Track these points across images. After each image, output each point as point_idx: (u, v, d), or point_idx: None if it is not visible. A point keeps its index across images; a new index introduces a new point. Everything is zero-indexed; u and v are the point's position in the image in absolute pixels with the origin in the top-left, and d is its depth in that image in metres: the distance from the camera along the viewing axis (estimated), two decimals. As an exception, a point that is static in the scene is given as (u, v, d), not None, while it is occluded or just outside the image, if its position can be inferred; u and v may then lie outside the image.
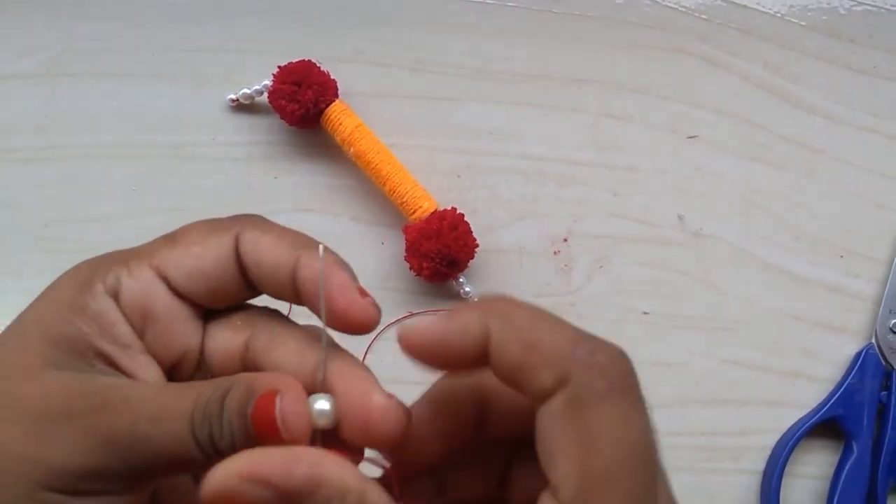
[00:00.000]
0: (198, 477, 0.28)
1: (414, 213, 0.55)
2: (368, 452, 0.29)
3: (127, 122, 0.59)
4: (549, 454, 0.24)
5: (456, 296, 0.57)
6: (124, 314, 0.29)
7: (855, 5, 0.62)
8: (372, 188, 0.57)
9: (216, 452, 0.27)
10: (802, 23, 0.61)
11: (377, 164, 0.56)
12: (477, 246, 0.55)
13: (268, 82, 0.58)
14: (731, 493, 0.55)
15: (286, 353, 0.29)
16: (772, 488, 0.54)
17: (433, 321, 0.27)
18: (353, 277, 0.29)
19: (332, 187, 0.58)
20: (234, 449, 0.26)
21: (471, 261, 0.56)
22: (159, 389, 0.28)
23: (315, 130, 0.58)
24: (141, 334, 0.30)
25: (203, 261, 0.30)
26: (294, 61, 0.57)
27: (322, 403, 0.27)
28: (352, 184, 0.58)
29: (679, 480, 0.57)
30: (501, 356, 0.25)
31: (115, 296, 0.29)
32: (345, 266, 0.30)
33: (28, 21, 0.60)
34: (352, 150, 0.56)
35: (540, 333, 0.25)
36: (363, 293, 0.29)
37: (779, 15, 0.61)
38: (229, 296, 0.31)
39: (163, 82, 0.60)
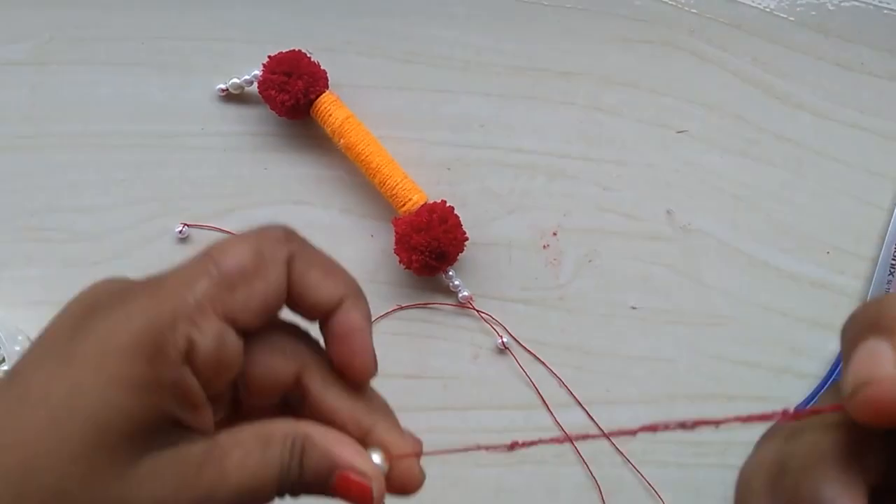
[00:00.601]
0: None
1: (404, 205, 0.55)
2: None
3: (115, 111, 0.59)
4: None
5: (445, 289, 0.57)
6: (197, 375, 0.28)
7: (843, 1, 0.62)
8: (362, 180, 0.57)
9: (289, 495, 0.30)
10: (791, 18, 0.61)
11: (367, 156, 0.56)
12: (466, 239, 0.55)
13: (257, 72, 0.57)
14: (718, 487, 0.55)
15: (340, 404, 0.31)
16: (756, 482, 0.54)
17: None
18: (371, 332, 0.31)
19: (321, 179, 0.58)
20: (304, 493, 0.30)
21: (460, 254, 0.56)
22: (244, 453, 0.29)
23: (305, 121, 0.58)
24: (209, 384, 0.29)
25: (268, 297, 0.29)
26: (284, 51, 0.57)
27: (377, 458, 0.31)
28: (341, 175, 0.58)
29: (666, 475, 0.58)
30: None
31: (188, 358, 0.28)
32: (369, 320, 0.32)
33: (16, 8, 0.60)
34: (342, 141, 0.56)
35: None
36: (374, 358, 0.31)
37: (768, 10, 0.61)
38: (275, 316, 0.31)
39: (151, 71, 0.59)
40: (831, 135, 0.60)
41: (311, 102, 0.56)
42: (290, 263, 0.30)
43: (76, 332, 0.27)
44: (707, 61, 0.61)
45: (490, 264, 0.57)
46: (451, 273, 0.56)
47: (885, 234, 0.58)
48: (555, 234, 0.58)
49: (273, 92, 0.56)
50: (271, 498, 0.29)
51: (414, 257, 0.54)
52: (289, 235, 0.31)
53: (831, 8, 0.62)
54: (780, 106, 0.60)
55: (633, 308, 0.57)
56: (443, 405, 0.56)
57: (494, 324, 0.57)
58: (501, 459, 0.55)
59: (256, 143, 0.59)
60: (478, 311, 0.56)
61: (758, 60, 0.61)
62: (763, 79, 0.61)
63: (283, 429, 0.29)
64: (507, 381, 0.56)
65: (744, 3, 0.61)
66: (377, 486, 0.30)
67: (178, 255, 0.31)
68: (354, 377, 0.31)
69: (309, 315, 0.31)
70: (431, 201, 0.55)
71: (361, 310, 0.31)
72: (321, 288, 0.30)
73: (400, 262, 0.55)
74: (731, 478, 0.56)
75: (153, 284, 0.29)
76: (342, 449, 0.30)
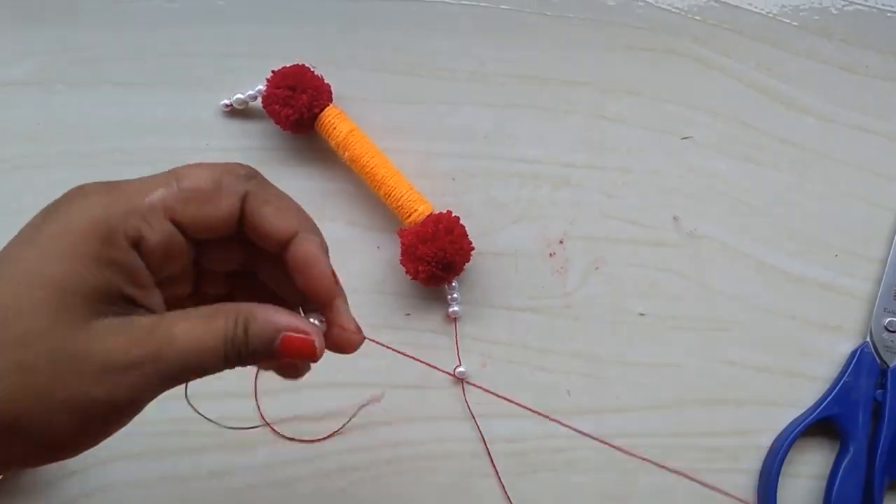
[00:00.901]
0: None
1: (409, 216, 0.55)
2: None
3: (120, 129, 0.59)
4: None
5: (452, 299, 0.57)
6: (145, 260, 0.33)
7: (846, 5, 0.62)
8: (367, 192, 0.57)
9: (238, 364, 0.34)
10: (794, 23, 0.61)
11: (372, 169, 0.56)
12: (472, 249, 0.55)
13: (261, 87, 0.58)
14: (730, 492, 0.55)
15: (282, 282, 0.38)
16: (769, 487, 0.54)
17: None
18: (327, 260, 0.36)
19: (327, 192, 0.58)
20: (253, 363, 0.34)
21: (466, 264, 0.56)
22: (191, 324, 0.33)
23: (309, 135, 0.58)
24: (156, 270, 0.34)
25: (216, 219, 0.34)
26: (288, 66, 0.57)
27: (314, 320, 0.36)
28: (347, 188, 0.58)
29: (677, 481, 0.57)
30: None
31: (137, 245, 0.33)
32: (324, 250, 0.36)
33: (21, 28, 0.60)
34: (346, 154, 0.56)
35: None
36: (333, 281, 0.36)
37: (771, 15, 0.61)
38: (230, 236, 0.36)
39: (156, 88, 0.60)
40: (836, 138, 0.60)
41: (315, 116, 0.57)
42: (245, 198, 0.35)
43: (43, 220, 0.33)
44: (710, 67, 0.61)
45: (497, 274, 0.57)
46: (456, 284, 0.56)
47: (893, 236, 0.58)
48: (561, 242, 0.58)
49: (277, 106, 0.56)
50: (219, 365, 0.33)
51: (420, 268, 0.54)
52: (250, 173, 0.36)
53: (834, 12, 0.62)
54: (785, 110, 0.60)
55: (641, 314, 0.57)
56: (451, 414, 0.56)
57: (479, 341, 0.57)
58: (512, 468, 0.55)
59: (261, 157, 0.59)
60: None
61: (761, 65, 0.61)
62: (767, 83, 0.61)
63: (227, 307, 0.34)
64: (517, 389, 0.56)
65: (747, 9, 0.61)
66: (318, 339, 0.35)
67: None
68: (321, 301, 0.36)
69: (266, 246, 0.36)
70: (437, 212, 0.55)
71: (314, 241, 0.35)
72: (273, 222, 0.35)
73: (406, 272, 0.55)
74: (743, 483, 0.57)
75: (115, 185, 0.34)
76: (282, 316, 0.34)
